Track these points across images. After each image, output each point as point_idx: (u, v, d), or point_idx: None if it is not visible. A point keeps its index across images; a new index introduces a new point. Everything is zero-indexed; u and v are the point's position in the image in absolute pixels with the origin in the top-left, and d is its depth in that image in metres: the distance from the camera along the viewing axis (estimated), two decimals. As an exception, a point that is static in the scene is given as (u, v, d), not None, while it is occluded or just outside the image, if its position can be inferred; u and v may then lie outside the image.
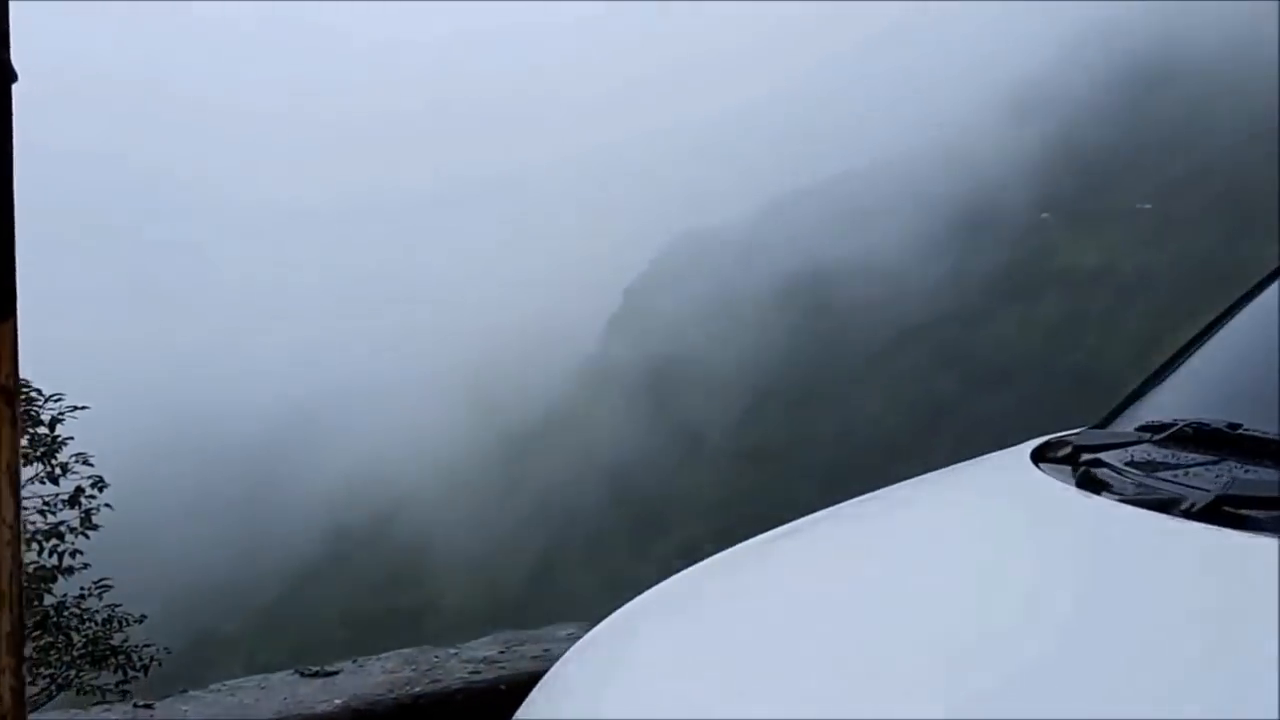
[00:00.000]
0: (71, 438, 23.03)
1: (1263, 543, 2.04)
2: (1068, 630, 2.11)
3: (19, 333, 3.09)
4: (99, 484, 22.09)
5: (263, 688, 6.37)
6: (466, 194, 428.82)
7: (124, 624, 21.63)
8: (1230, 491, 2.32)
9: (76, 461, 21.81)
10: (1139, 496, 2.57)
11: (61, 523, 21.43)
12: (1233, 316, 4.07)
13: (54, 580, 21.06)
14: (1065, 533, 2.84)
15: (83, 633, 20.91)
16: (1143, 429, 3.22)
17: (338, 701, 5.95)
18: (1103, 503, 2.68)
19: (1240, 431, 2.63)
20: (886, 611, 2.50)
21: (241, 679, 7.10)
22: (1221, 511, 2.27)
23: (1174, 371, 4.02)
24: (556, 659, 3.94)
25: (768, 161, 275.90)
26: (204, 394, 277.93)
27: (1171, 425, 2.97)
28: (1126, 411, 3.84)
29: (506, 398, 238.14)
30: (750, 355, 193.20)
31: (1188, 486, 2.54)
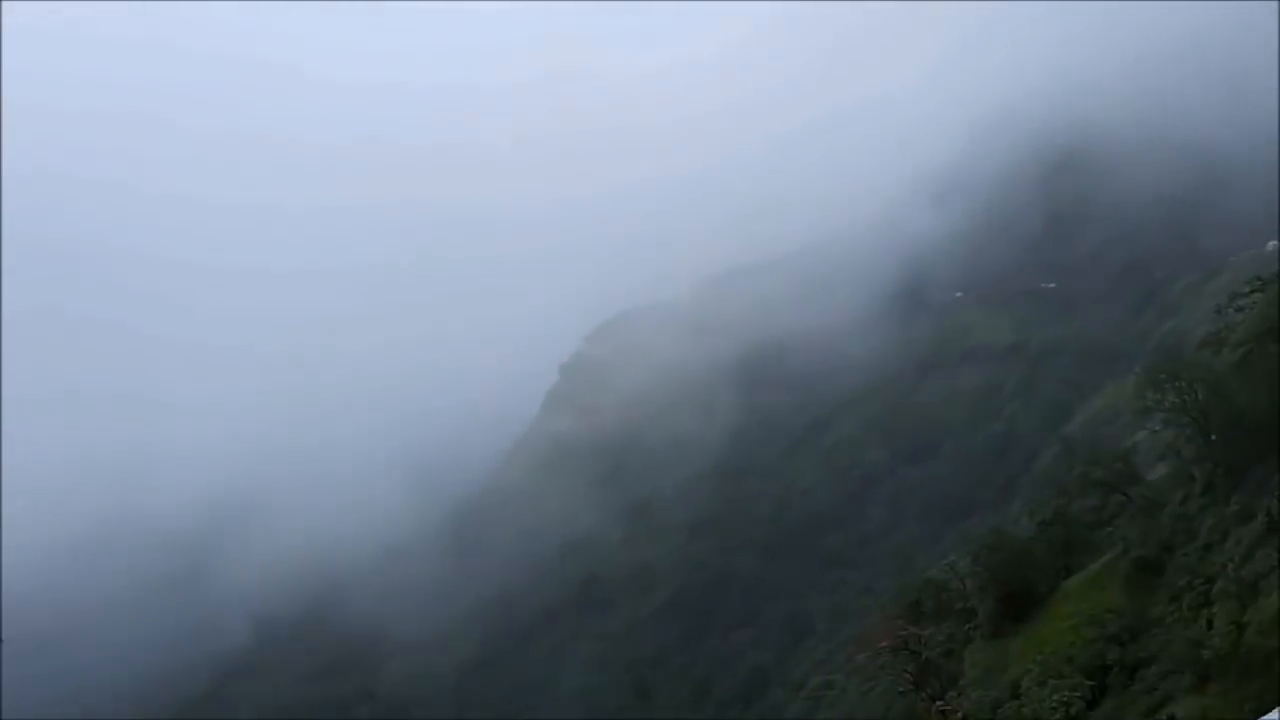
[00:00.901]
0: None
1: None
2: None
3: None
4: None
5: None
6: (403, 267, 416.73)
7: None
8: None
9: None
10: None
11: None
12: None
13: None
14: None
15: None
16: None
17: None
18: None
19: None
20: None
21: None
22: None
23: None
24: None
25: (708, 241, 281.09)
26: (134, 481, 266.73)
27: None
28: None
29: (444, 476, 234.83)
30: (685, 428, 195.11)
31: None
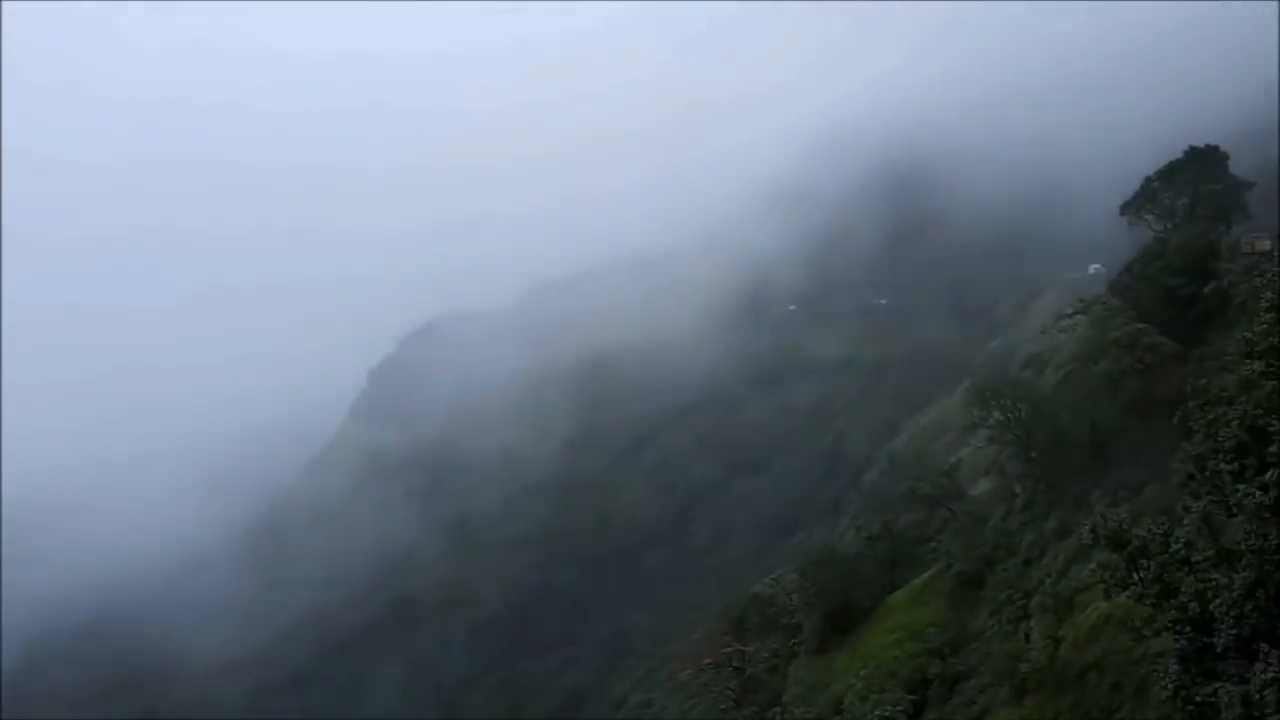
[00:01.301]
0: None
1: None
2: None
3: None
4: None
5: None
6: (211, 270, 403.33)
7: None
8: None
9: None
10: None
11: None
12: None
13: None
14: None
15: None
16: None
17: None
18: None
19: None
20: None
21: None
22: None
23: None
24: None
25: (535, 247, 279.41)
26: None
27: None
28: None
29: (247, 487, 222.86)
30: (507, 439, 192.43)
31: None
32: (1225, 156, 67.96)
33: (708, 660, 65.58)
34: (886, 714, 42.24)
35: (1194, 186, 67.94)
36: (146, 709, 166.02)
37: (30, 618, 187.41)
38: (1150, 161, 72.74)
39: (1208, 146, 68.73)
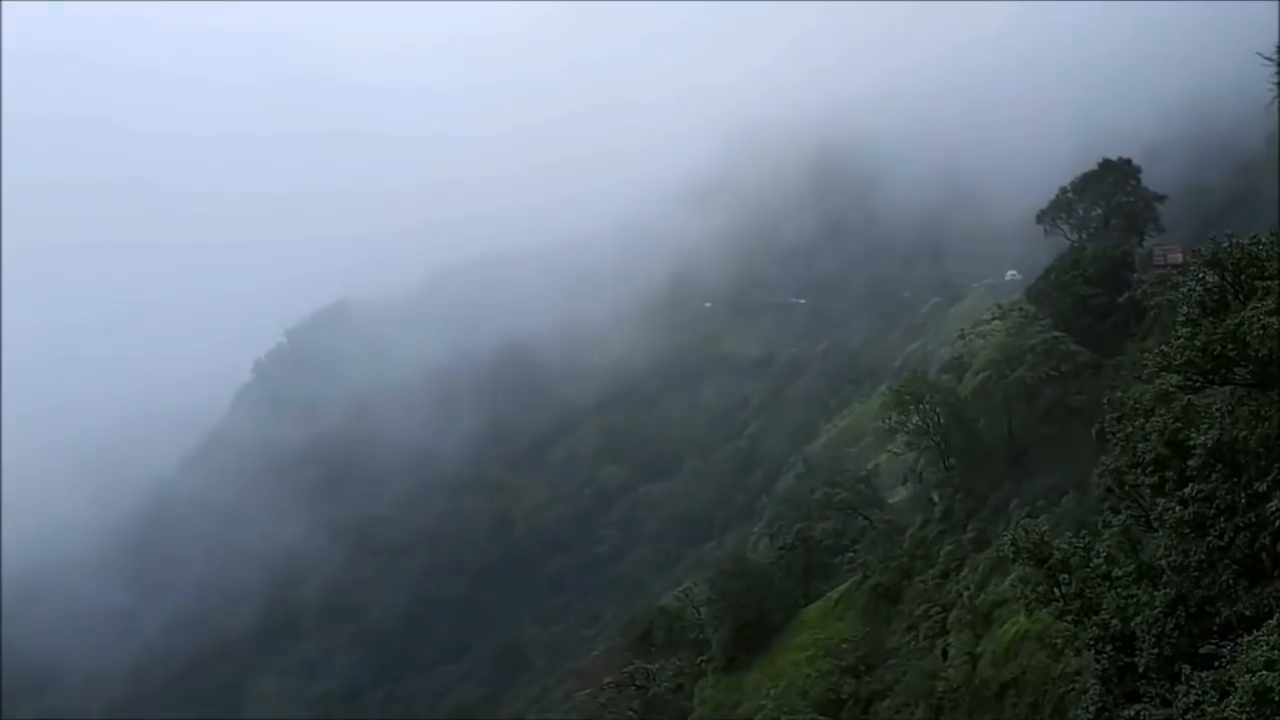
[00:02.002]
0: None
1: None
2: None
3: None
4: None
5: None
6: (92, 255, 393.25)
7: None
8: None
9: None
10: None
11: None
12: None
13: None
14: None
15: None
16: None
17: None
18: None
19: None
20: None
21: None
22: None
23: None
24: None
25: (438, 235, 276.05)
26: None
27: None
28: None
29: (122, 483, 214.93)
30: (402, 434, 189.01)
31: None
32: (1137, 169, 71.33)
33: (609, 679, 65.16)
34: (797, 735, 42.56)
35: (1108, 198, 71.06)
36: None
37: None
38: (1070, 169, 75.64)
39: (1120, 159, 71.96)
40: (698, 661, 62.75)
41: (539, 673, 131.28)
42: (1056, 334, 52.64)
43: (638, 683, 62.06)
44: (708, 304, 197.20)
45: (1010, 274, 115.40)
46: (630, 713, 61.11)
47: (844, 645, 47.79)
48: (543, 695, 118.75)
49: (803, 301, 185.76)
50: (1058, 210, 73.55)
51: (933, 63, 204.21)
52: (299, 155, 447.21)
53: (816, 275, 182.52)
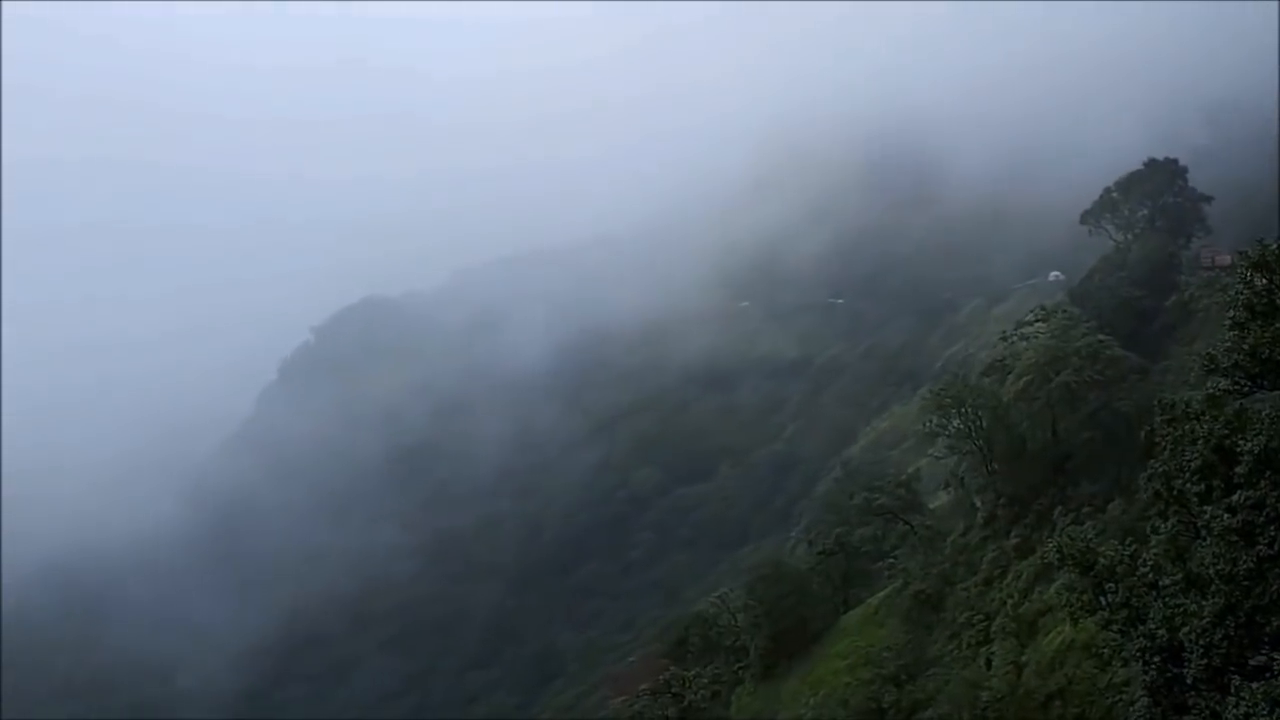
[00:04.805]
0: None
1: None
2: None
3: None
4: None
5: None
6: (130, 251, 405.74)
7: None
8: None
9: None
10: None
11: None
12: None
13: None
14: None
15: None
16: None
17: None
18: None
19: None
20: None
21: None
22: None
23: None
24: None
25: (457, 236, 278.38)
26: None
27: None
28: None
29: (147, 468, 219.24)
30: (430, 436, 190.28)
31: None
32: (1184, 170, 70.87)
33: (644, 686, 65.39)
34: (838, 745, 42.69)
35: (1154, 198, 70.64)
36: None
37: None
38: (1114, 169, 75.37)
39: (1166, 159, 71.47)
40: (735, 669, 62.97)
41: (572, 679, 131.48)
42: (1101, 337, 52.42)
43: (673, 690, 62.24)
44: (744, 304, 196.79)
45: (1053, 275, 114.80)
46: (665, 721, 61.35)
47: (885, 653, 47.82)
48: (576, 702, 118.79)
49: (841, 301, 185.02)
50: (1102, 210, 73.33)
51: (981, 61, 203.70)
52: (328, 140, 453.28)
53: (855, 276, 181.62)
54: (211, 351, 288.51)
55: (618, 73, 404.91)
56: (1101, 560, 35.21)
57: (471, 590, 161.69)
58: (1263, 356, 26.29)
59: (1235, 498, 26.89)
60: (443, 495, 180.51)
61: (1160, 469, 33.61)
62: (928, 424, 60.83)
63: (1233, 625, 25.78)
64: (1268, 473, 25.83)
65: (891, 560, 58.35)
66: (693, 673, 63.49)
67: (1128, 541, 32.77)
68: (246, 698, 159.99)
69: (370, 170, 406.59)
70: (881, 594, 55.68)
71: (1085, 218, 74.81)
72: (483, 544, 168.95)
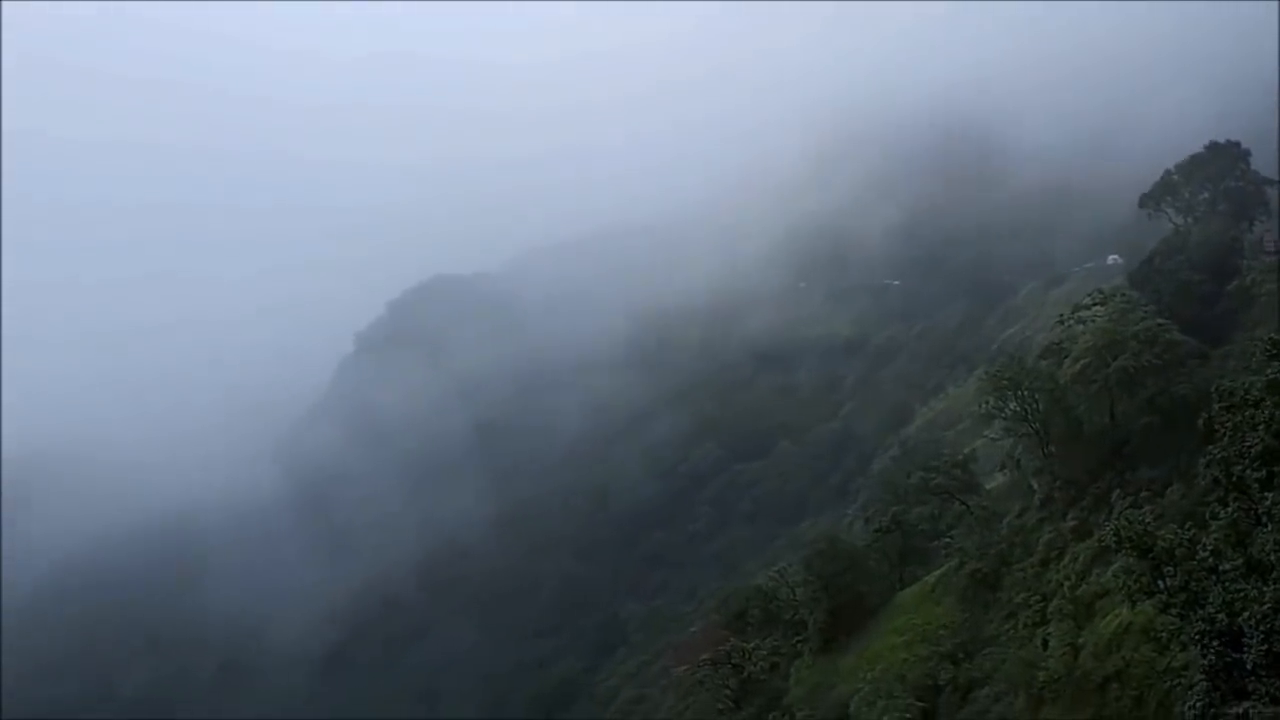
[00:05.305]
0: None
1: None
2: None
3: None
4: None
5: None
6: (213, 228, 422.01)
7: None
8: None
9: None
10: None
11: None
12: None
13: None
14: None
15: None
16: None
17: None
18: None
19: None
20: None
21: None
22: None
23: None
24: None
25: (528, 213, 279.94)
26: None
27: None
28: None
29: (237, 438, 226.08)
30: (500, 412, 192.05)
31: None
32: (1246, 152, 68.22)
33: (705, 656, 65.33)
34: None
35: (1215, 181, 68.04)
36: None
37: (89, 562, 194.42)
38: (1174, 153, 72.73)
39: (1229, 142, 68.73)
40: (793, 642, 62.62)
41: (635, 647, 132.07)
42: (1160, 321, 50.71)
43: (733, 661, 62.13)
44: (801, 284, 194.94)
45: (1112, 258, 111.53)
46: (726, 691, 61.22)
47: (941, 631, 47.12)
48: (639, 670, 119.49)
49: (897, 283, 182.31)
50: (1163, 193, 70.80)
51: (1046, 38, 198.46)
52: (389, 128, 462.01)
53: (914, 256, 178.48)
54: (289, 327, 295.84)
55: (682, 55, 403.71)
56: (1160, 544, 34.24)
57: (541, 559, 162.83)
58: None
59: (1297, 485, 25.93)
60: (516, 467, 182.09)
61: (1220, 454, 32.56)
62: (984, 405, 59.59)
63: (1293, 612, 24.97)
64: (1332, 461, 24.92)
65: (948, 539, 57.36)
66: (752, 644, 63.27)
67: (1187, 526, 31.83)
68: (329, 656, 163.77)
69: (436, 155, 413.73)
70: (938, 572, 54.83)
71: (1145, 200, 72.28)
72: (552, 514, 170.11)
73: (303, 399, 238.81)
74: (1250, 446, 30.67)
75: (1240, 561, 28.62)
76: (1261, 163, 67.90)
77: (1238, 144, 67.97)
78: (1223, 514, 31.41)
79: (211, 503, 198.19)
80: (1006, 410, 57.61)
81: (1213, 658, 27.18)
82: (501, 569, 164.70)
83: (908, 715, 41.77)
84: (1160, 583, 34.09)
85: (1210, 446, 33.49)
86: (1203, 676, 27.59)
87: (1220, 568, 29.09)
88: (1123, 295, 59.24)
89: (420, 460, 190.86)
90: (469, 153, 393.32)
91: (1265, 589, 26.39)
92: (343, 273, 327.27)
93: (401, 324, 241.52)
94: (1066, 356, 61.05)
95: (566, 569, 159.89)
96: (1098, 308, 62.49)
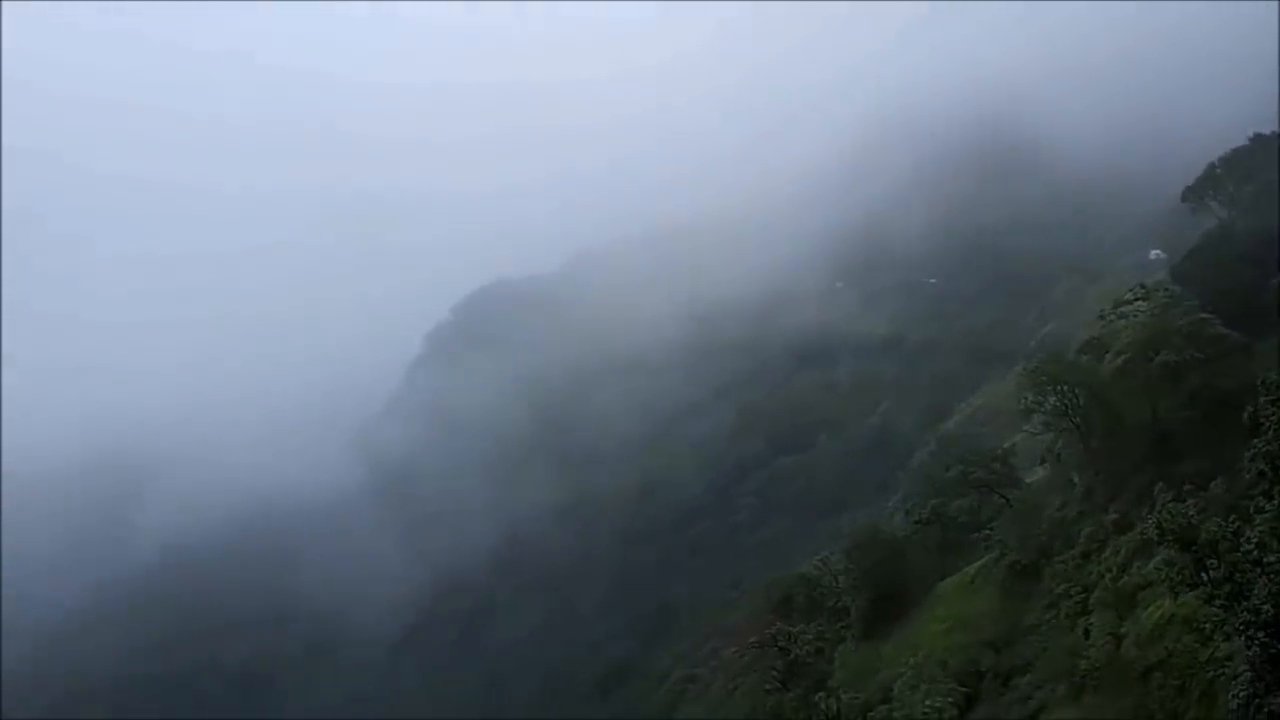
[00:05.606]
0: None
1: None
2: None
3: None
4: None
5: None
6: (279, 233, 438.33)
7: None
8: None
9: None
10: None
11: None
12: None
13: None
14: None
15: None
16: None
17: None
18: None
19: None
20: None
21: None
22: None
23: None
24: None
25: (580, 216, 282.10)
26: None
27: None
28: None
29: (318, 433, 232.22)
30: (551, 409, 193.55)
31: None
32: (1291, 144, 66.04)
33: (752, 639, 65.40)
34: (937, 704, 41.76)
35: (1260, 174, 66.25)
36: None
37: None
38: (1217, 145, 70.97)
39: (1274, 134, 66.80)
40: (837, 628, 62.33)
41: (685, 630, 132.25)
42: (1204, 315, 49.57)
43: (780, 644, 62.09)
44: (839, 284, 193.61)
45: (1154, 253, 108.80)
46: (773, 672, 61.23)
47: (982, 620, 46.47)
48: (690, 651, 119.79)
49: (933, 281, 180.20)
50: (1206, 187, 69.08)
51: (1071, 42, 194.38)
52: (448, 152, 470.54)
53: (952, 253, 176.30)
54: (357, 327, 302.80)
55: (721, 59, 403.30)
56: (1203, 536, 33.59)
57: (595, 546, 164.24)
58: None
59: (1346, 479, 25.31)
60: (573, 459, 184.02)
61: (1264, 448, 31.83)
62: (1024, 401, 58.68)
63: (1342, 606, 24.41)
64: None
65: (987, 532, 56.61)
66: (798, 629, 63.19)
67: (1231, 519, 31.20)
68: (405, 635, 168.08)
69: (488, 168, 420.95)
70: (978, 564, 54.14)
71: (1188, 194, 70.52)
72: (605, 504, 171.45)
73: (376, 396, 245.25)
74: (1295, 440, 30.02)
75: (1286, 554, 28.06)
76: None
77: (1283, 135, 66.26)
78: (1268, 507, 30.73)
79: (301, 492, 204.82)
80: (1046, 405, 56.65)
81: (1257, 649, 26.60)
82: (560, 555, 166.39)
83: (949, 699, 41.44)
84: (1203, 575, 33.45)
85: (1255, 440, 32.75)
86: (1247, 667, 27.02)
87: (1265, 560, 28.46)
88: (1165, 290, 58.02)
89: (487, 453, 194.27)
90: (519, 165, 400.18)
91: (1312, 581, 25.85)
92: (406, 278, 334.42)
93: (465, 325, 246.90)
94: (1107, 352, 60.00)
95: (619, 556, 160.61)
96: (1140, 302, 61.13)
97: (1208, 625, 30.00)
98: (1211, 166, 69.57)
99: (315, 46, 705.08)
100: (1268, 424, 31.94)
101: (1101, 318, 69.40)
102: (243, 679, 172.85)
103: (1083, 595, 40.53)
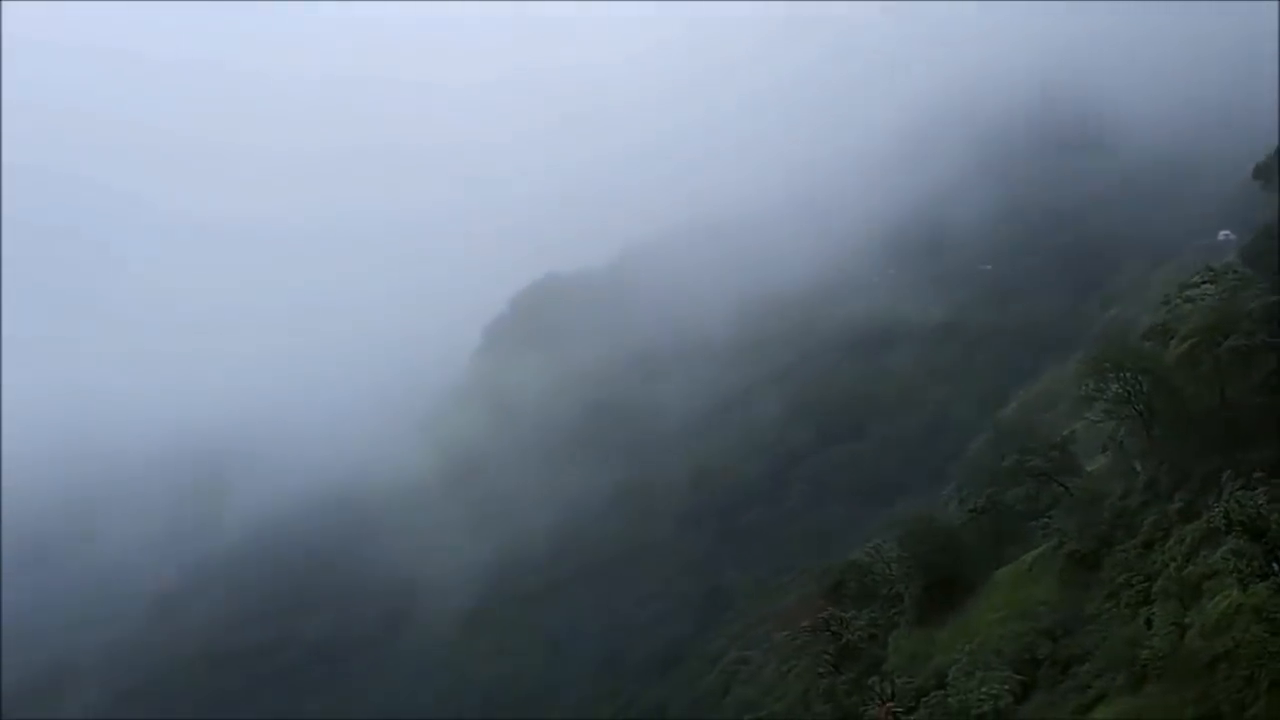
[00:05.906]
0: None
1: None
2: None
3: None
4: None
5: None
6: (346, 230, 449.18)
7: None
8: None
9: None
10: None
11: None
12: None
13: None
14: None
15: None
16: None
17: None
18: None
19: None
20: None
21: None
22: None
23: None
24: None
25: (626, 210, 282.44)
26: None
27: None
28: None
29: (389, 421, 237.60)
30: (602, 397, 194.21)
31: None
32: (1369, 121, 62.52)
33: (805, 623, 64.26)
34: (993, 691, 40.25)
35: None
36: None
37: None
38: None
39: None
40: (890, 614, 60.92)
41: (739, 613, 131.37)
42: (1276, 298, 47.06)
43: (832, 629, 60.90)
44: (890, 270, 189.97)
45: (1223, 234, 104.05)
46: (826, 656, 60.09)
47: (1040, 608, 44.79)
48: (743, 633, 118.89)
49: (989, 268, 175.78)
50: (1278, 164, 65.83)
51: (1135, 24, 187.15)
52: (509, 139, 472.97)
53: (1013, 239, 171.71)
54: (422, 322, 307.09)
55: (775, 46, 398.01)
56: (1274, 525, 31.75)
57: (650, 530, 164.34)
58: None
59: None
60: (628, 445, 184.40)
61: (1340, 436, 29.99)
62: (1085, 388, 56.42)
63: None
64: None
65: (1045, 521, 54.52)
66: (850, 614, 61.91)
67: (1304, 508, 29.38)
68: (471, 611, 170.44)
69: (544, 160, 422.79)
70: (1035, 552, 52.23)
71: (1259, 172, 67.15)
72: (659, 489, 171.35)
73: (441, 382, 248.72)
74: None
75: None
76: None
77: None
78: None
79: (374, 478, 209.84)
80: (1108, 392, 54.37)
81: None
82: (616, 539, 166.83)
83: (1006, 687, 39.89)
84: (1274, 565, 31.61)
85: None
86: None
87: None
88: (1235, 272, 55.37)
89: (547, 439, 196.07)
90: (569, 156, 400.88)
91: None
92: (469, 268, 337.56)
93: (522, 317, 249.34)
94: (1173, 337, 57.37)
95: (673, 540, 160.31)
96: (1207, 286, 58.30)
97: (1278, 616, 28.28)
98: (1283, 143, 66.30)
99: (416, 54, 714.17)
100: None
101: (1166, 302, 66.48)
102: (322, 651, 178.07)
103: (1145, 585, 38.70)
